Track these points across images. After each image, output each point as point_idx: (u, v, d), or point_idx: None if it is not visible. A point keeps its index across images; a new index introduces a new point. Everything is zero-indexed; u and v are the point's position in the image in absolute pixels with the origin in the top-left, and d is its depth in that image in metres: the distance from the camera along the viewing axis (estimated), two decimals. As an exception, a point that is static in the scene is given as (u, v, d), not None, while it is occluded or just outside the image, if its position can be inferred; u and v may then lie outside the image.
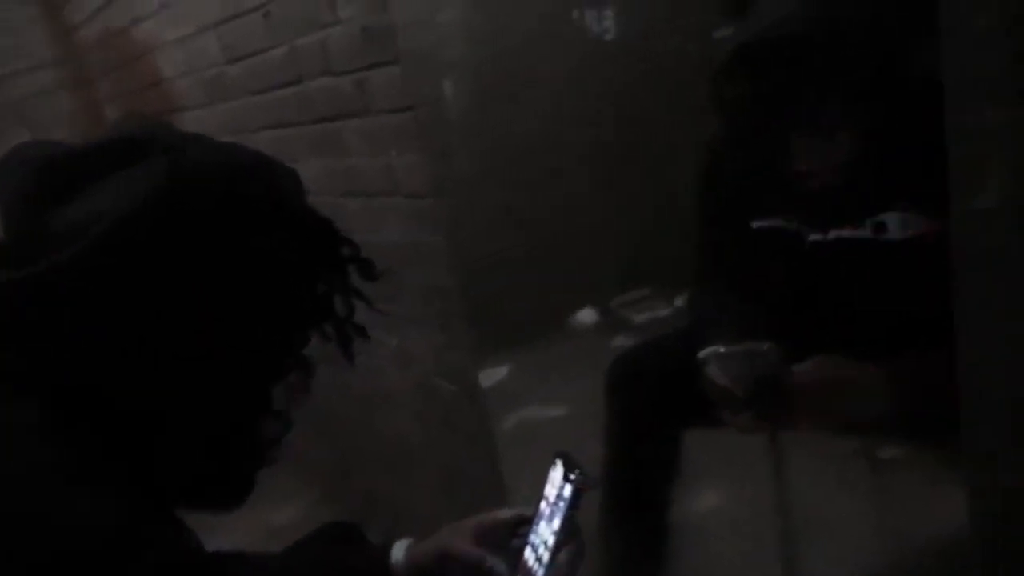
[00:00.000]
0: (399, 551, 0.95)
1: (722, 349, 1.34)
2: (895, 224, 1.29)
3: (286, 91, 2.26)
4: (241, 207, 0.70)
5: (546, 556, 0.84)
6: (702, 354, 1.39)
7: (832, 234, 1.38)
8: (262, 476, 0.79)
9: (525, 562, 0.86)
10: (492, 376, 2.21)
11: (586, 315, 2.30)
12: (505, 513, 0.95)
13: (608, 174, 2.14)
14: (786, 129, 1.26)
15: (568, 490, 0.84)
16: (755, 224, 1.47)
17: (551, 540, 0.84)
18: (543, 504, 0.88)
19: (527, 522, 0.90)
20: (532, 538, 0.87)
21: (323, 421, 2.81)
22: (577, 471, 0.86)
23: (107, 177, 0.69)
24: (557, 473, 0.87)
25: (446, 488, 2.33)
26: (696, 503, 1.82)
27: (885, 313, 1.31)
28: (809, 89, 1.20)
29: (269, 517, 3.07)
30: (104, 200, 0.67)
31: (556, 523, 0.84)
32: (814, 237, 1.40)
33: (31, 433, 0.65)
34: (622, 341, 2.15)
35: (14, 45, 3.62)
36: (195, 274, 0.68)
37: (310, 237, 0.75)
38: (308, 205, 0.76)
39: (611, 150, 2.13)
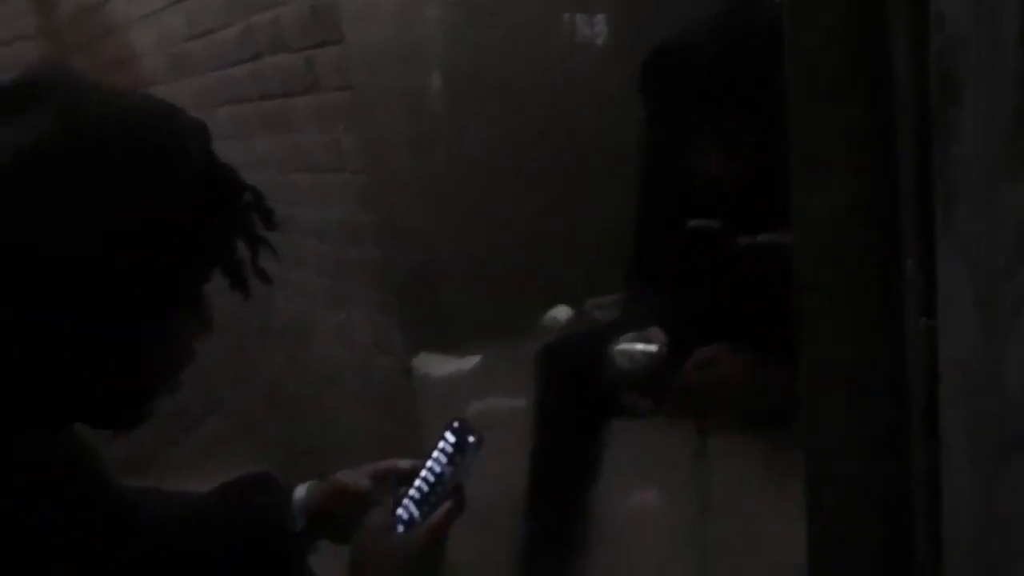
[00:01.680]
0: (301, 491, 1.01)
1: (622, 345, 1.37)
2: None
3: (242, 68, 2.28)
4: (134, 157, 0.72)
5: (420, 510, 0.90)
6: (611, 347, 1.43)
7: (761, 237, 1.40)
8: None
9: (406, 506, 0.91)
10: (463, 364, 2.22)
11: (560, 312, 2.29)
12: (403, 463, 1.00)
13: (586, 179, 2.10)
14: (690, 135, 1.29)
15: (458, 450, 0.92)
16: (689, 224, 1.49)
17: (434, 492, 0.91)
18: (432, 461, 0.94)
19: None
20: (417, 488, 0.92)
21: (275, 397, 2.83)
22: (470, 434, 0.92)
23: None
24: (450, 433, 0.93)
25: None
26: (618, 500, 1.82)
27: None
28: (705, 97, 1.23)
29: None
30: None
31: (443, 479, 0.91)
32: (743, 239, 1.43)
33: None
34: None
35: (-4, 16, 3.62)
36: (80, 217, 0.70)
37: (210, 184, 0.78)
38: (212, 154, 0.79)
39: (593, 154, 2.07)
